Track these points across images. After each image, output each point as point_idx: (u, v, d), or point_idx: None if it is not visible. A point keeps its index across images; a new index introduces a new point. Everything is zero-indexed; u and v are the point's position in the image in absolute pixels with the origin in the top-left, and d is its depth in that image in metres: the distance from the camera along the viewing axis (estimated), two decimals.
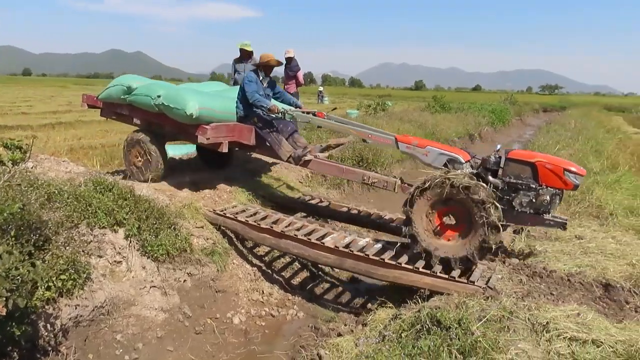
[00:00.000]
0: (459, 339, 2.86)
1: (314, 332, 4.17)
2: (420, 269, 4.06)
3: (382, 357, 2.86)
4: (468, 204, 3.82)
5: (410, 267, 4.12)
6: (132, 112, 5.79)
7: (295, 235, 4.78)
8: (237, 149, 5.83)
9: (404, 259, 4.25)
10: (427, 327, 3.11)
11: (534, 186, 4.01)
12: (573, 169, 3.97)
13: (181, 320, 4.14)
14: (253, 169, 7.17)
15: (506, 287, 3.75)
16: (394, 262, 4.20)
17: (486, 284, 3.76)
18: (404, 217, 4.21)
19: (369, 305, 4.78)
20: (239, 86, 5.75)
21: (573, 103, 46.76)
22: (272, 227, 4.95)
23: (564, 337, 2.83)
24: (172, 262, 4.34)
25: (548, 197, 3.99)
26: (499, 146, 4.44)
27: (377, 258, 4.30)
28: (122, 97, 5.69)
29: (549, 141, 12.97)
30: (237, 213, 5.26)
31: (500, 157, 4.16)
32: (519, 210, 4.04)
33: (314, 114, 5.33)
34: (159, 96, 5.25)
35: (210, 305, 4.50)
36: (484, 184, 3.91)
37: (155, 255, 4.19)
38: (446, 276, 3.93)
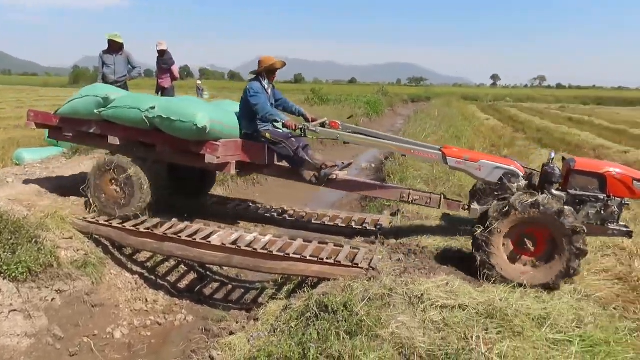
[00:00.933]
0: (345, 320, 3.00)
1: (204, 334, 4.05)
2: (308, 258, 4.18)
3: (273, 349, 2.89)
4: (555, 228, 3.61)
5: (297, 256, 4.21)
6: (108, 129, 4.75)
7: (178, 236, 4.57)
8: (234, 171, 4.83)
9: (292, 249, 4.33)
10: (316, 313, 3.21)
11: (602, 197, 3.89)
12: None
13: (51, 343, 3.72)
14: None
15: (386, 266, 4.03)
16: (281, 254, 4.26)
17: (369, 265, 4.00)
18: (475, 243, 3.83)
19: (260, 299, 4.79)
20: (237, 100, 5.06)
21: (436, 94, 51.65)
22: (152, 230, 4.67)
23: (436, 306, 3.14)
24: (36, 281, 3.88)
25: (616, 208, 3.89)
26: (552, 155, 4.22)
27: (265, 251, 4.31)
28: (94, 111, 4.67)
29: (417, 129, 14.18)
30: (111, 219, 4.86)
31: (558, 168, 4.00)
32: (585, 222, 3.82)
33: (323, 125, 4.68)
34: (152, 108, 4.42)
35: (87, 322, 4.12)
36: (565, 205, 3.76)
37: (13, 275, 3.70)
38: (332, 262, 4.10)
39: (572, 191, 3.94)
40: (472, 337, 2.77)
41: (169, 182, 5.36)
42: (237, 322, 4.14)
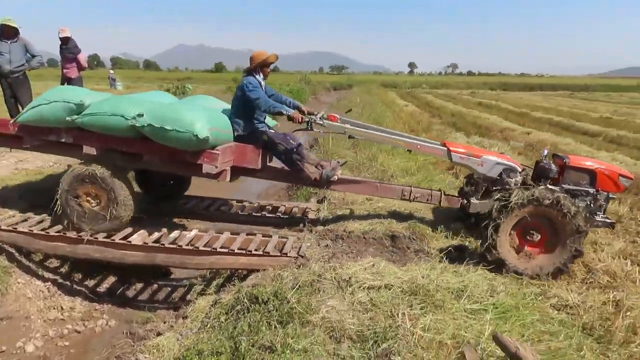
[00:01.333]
0: (276, 310, 3.01)
1: (129, 338, 3.86)
2: (236, 250, 4.12)
3: (203, 345, 2.83)
4: (558, 218, 3.86)
5: (225, 250, 4.13)
6: (82, 138, 4.26)
7: (95, 238, 4.29)
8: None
9: (219, 243, 4.24)
10: (246, 306, 3.18)
11: (591, 191, 4.22)
12: (624, 174, 4.31)
13: None
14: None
15: (315, 253, 4.09)
16: (208, 249, 4.16)
17: (297, 253, 4.03)
18: (486, 243, 3.94)
19: (189, 296, 4.65)
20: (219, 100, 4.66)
21: (358, 81, 52.79)
22: (65, 233, 4.34)
23: (363, 288, 3.24)
24: None
25: (603, 201, 4.26)
26: (546, 151, 4.50)
27: (190, 247, 4.18)
28: (66, 118, 4.15)
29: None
30: (15, 224, 4.45)
31: (554, 164, 4.28)
32: None
33: (324, 117, 4.50)
34: (140, 115, 3.98)
35: None
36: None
37: None
38: (261, 253, 4.08)
39: (565, 185, 4.22)
40: (397, 315, 2.89)
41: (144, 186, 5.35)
42: (164, 322, 3.99)
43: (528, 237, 4.05)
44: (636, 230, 5.14)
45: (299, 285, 3.28)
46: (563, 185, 4.23)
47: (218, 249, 4.15)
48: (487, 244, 3.93)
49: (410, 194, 4.63)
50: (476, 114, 18.24)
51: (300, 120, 4.40)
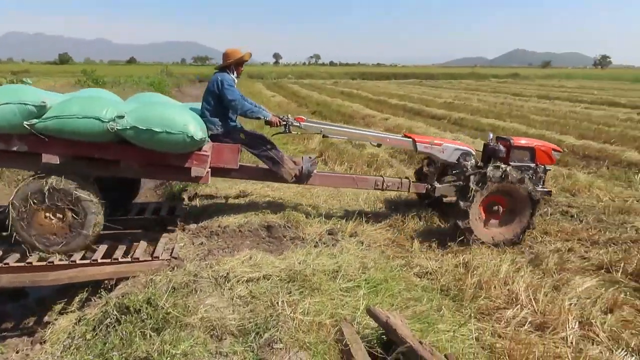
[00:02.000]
0: (150, 317, 2.83)
1: None
2: (99, 260, 3.76)
3: None
4: (518, 194, 4.35)
5: (86, 261, 3.75)
6: (41, 146, 3.64)
7: None
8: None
9: (78, 254, 3.83)
10: (116, 318, 2.93)
11: (532, 166, 4.79)
12: (556, 148, 4.93)
13: None
14: None
15: (189, 252, 3.93)
16: (66, 262, 3.73)
17: (170, 255, 3.84)
18: (459, 213, 4.29)
19: (47, 317, 4.13)
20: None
21: None
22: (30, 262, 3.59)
23: (242, 281, 3.22)
24: None
25: (542, 173, 4.83)
26: (491, 135, 5.06)
27: (43, 263, 3.71)
28: (24, 123, 3.53)
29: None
30: None
31: (502, 146, 4.78)
32: None
33: (290, 122, 4.55)
34: (120, 117, 3.57)
35: None
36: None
37: None
38: (129, 259, 3.79)
39: (512, 163, 4.76)
40: (277, 303, 2.94)
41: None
42: (17, 352, 3.50)
43: (492, 210, 4.51)
44: None
45: (174, 288, 3.13)
46: (510, 163, 4.75)
47: (77, 261, 3.74)
48: (460, 214, 4.33)
49: (382, 184, 4.86)
50: (339, 102, 19.18)
51: (278, 124, 4.46)
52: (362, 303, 3.03)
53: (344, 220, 4.77)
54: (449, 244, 4.35)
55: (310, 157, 4.82)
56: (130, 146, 3.77)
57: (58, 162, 3.72)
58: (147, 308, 2.91)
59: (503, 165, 4.46)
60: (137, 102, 4.31)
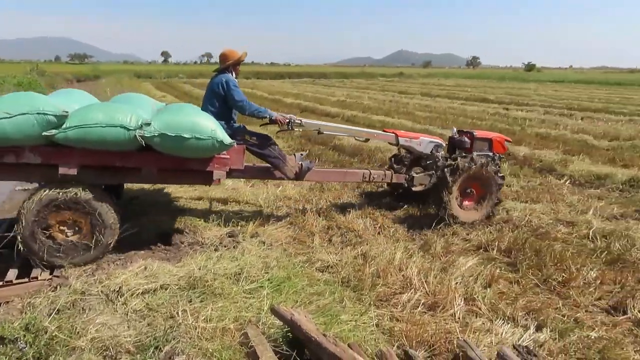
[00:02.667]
0: (31, 345, 2.53)
1: None
2: None
3: None
4: (485, 177, 5.02)
5: None
6: (58, 156, 3.50)
7: None
8: None
9: None
10: None
11: (491, 155, 5.35)
12: (507, 139, 5.65)
13: None
14: None
15: (74, 269, 3.59)
16: None
17: (51, 273, 3.47)
18: (441, 202, 4.88)
19: None
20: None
21: (105, 72, 47.84)
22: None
23: (137, 294, 3.02)
24: None
25: (498, 161, 5.43)
26: (455, 129, 5.71)
27: None
28: (43, 134, 3.32)
29: None
30: None
31: (466, 138, 5.40)
32: None
33: (293, 121, 4.68)
34: (147, 124, 3.51)
35: None
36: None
37: None
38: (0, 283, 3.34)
39: (475, 153, 5.25)
40: (177, 313, 2.81)
41: None
42: None
43: (466, 194, 5.13)
44: (362, 191, 6.21)
45: (58, 310, 2.84)
46: (473, 153, 5.23)
47: None
48: (442, 203, 4.90)
49: (370, 176, 5.21)
50: None
51: (283, 122, 4.53)
52: (266, 303, 3.02)
53: (245, 222, 4.71)
54: (346, 236, 4.52)
55: (301, 154, 5.07)
56: (152, 153, 3.71)
57: (75, 173, 3.56)
58: (25, 336, 2.60)
59: (474, 156, 5.08)
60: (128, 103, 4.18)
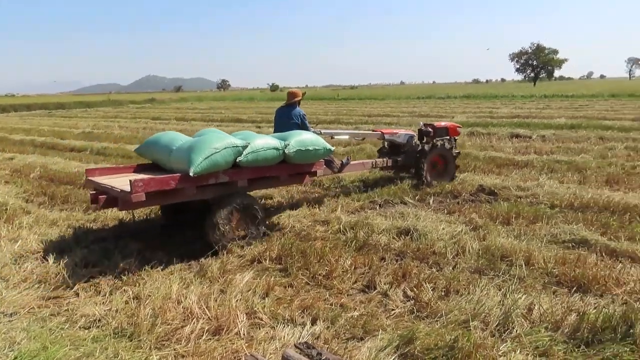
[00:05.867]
0: None
1: None
2: None
3: None
4: (445, 153, 7.57)
5: None
6: (237, 174, 4.89)
7: None
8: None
9: None
10: None
11: (449, 138, 7.68)
12: (459, 125, 8.18)
13: None
14: None
15: None
16: None
17: None
18: (420, 173, 7.35)
19: None
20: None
21: None
22: None
23: None
24: None
25: (454, 142, 7.77)
26: (421, 123, 7.96)
27: None
28: (234, 159, 4.75)
29: None
30: None
31: (431, 128, 7.67)
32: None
33: (319, 132, 6.82)
34: (287, 145, 5.11)
35: None
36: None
37: None
38: None
39: (437, 139, 7.55)
40: None
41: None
42: None
43: (434, 167, 7.57)
44: (119, 221, 5.78)
45: None
46: (437, 139, 7.54)
47: None
48: (421, 172, 7.32)
49: (376, 164, 7.34)
50: None
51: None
52: None
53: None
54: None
55: (348, 158, 7.16)
56: (284, 164, 5.23)
57: (245, 185, 4.98)
58: None
59: (435, 141, 7.48)
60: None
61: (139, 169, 5.38)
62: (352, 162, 7.03)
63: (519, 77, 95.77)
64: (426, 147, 7.37)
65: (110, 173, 5.27)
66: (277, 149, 5.00)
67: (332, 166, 6.54)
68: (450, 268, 4.25)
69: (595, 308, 3.33)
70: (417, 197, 6.79)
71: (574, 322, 3.14)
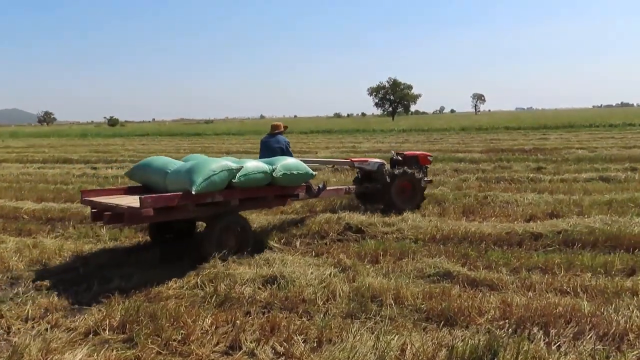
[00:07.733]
0: None
1: None
2: None
3: None
4: (414, 180, 8.66)
5: None
6: (230, 194, 6.04)
7: None
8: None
9: None
10: None
11: (419, 166, 9.12)
12: (429, 154, 9.95)
13: None
14: None
15: None
16: None
17: None
18: (389, 200, 8.39)
19: None
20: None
21: None
22: None
23: None
24: None
25: (424, 170, 9.33)
26: (393, 152, 9.70)
27: None
28: (229, 180, 5.88)
29: None
30: None
31: (401, 157, 9.25)
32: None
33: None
34: (274, 169, 6.23)
35: None
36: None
37: None
38: None
39: (407, 166, 8.75)
40: None
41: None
42: None
43: (402, 192, 8.60)
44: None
45: None
46: (406, 167, 8.69)
47: None
48: (390, 196, 8.38)
49: (349, 190, 8.56)
50: None
51: None
52: None
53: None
54: None
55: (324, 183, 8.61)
56: (272, 186, 6.40)
57: (237, 205, 6.21)
58: None
59: (408, 169, 8.60)
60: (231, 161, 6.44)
61: (129, 191, 6.57)
62: (328, 188, 8.24)
63: (378, 111, 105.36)
64: (396, 171, 8.49)
65: (106, 194, 6.43)
66: (266, 172, 6.18)
67: (311, 191, 7.67)
68: (322, 315, 4.33)
69: (462, 340, 3.67)
70: (282, 240, 6.88)
71: (444, 358, 3.42)
